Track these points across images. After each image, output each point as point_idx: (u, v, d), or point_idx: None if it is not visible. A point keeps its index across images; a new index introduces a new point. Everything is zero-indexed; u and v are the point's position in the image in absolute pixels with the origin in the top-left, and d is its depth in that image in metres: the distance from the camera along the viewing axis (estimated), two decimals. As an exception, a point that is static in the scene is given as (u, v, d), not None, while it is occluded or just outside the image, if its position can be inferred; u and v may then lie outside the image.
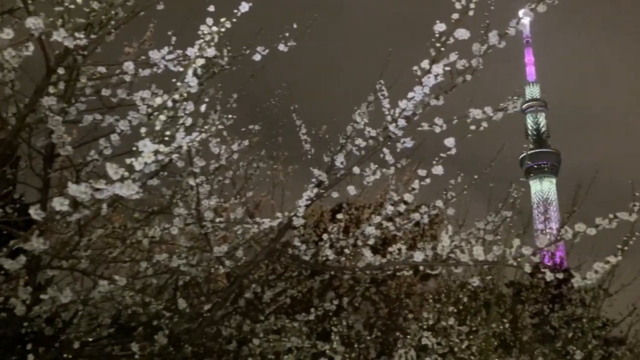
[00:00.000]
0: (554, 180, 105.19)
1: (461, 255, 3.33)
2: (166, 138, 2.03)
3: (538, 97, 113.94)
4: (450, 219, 9.53)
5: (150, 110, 2.68)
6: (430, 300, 6.96)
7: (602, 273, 2.92)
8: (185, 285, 6.30)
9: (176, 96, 2.18)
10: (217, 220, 3.59)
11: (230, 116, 4.75)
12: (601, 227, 3.03)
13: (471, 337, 5.93)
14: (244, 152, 4.55)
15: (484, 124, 3.42)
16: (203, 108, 4.64)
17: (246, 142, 4.18)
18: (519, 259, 3.09)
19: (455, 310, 6.35)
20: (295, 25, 3.71)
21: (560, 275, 3.07)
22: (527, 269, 3.08)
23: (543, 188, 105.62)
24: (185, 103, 2.52)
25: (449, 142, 3.44)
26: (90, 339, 4.91)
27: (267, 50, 3.63)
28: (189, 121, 2.54)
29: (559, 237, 3.10)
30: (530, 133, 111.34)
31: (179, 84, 2.16)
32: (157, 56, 2.77)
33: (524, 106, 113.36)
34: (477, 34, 3.52)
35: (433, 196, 4.46)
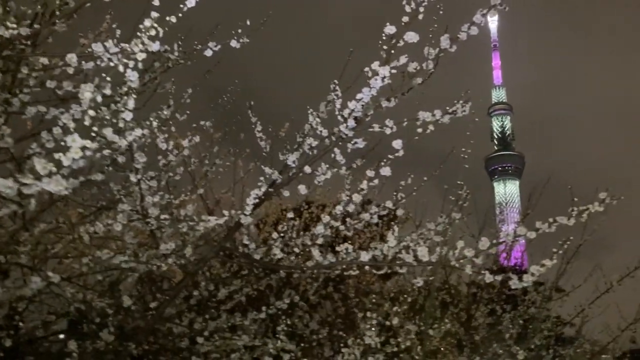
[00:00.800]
0: (517, 183, 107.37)
1: (406, 255, 3.36)
2: (92, 134, 1.98)
3: (504, 100, 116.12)
4: (408, 219, 9.67)
5: (92, 104, 2.61)
6: (387, 300, 7.04)
7: (538, 275, 2.99)
8: (142, 282, 6.21)
9: (107, 91, 2.13)
10: (162, 217, 3.54)
11: (188, 112, 4.71)
12: (541, 230, 3.09)
13: (421, 336, 6.00)
14: (198, 148, 4.50)
15: (431, 127, 3.45)
16: (169, 110, 4.63)
17: (197, 139, 4.13)
18: (461, 261, 3.13)
19: (404, 310, 6.41)
20: (248, 23, 3.68)
21: (499, 277, 3.13)
22: (468, 270, 3.13)
23: (506, 190, 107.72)
24: (125, 98, 2.48)
25: (397, 144, 3.47)
26: (43, 335, 4.82)
27: (218, 47, 3.59)
28: (129, 116, 2.50)
29: (500, 241, 3.15)
30: (495, 136, 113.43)
31: (108, 78, 2.11)
32: (100, 49, 2.71)
33: (490, 109, 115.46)
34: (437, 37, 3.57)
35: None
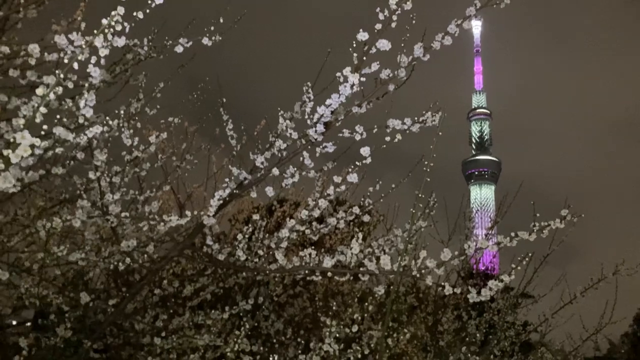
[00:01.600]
0: (493, 188, 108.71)
1: (369, 263, 3.35)
2: (42, 132, 1.92)
3: (484, 105, 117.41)
4: (379, 223, 9.69)
5: (54, 95, 2.55)
6: (354, 302, 7.05)
7: (496, 291, 3.01)
8: (108, 277, 6.12)
9: (69, 85, 2.07)
10: (123, 215, 3.47)
11: (158, 106, 4.63)
12: (502, 244, 3.12)
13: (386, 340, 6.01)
14: (168, 143, 4.43)
15: (399, 136, 3.45)
16: (138, 104, 4.54)
17: (164, 135, 4.06)
18: (422, 271, 3.14)
19: (372, 312, 6.41)
20: (221, 20, 3.63)
21: (458, 290, 3.14)
22: (429, 281, 3.14)
23: (482, 194, 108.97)
24: (86, 94, 2.42)
25: (365, 151, 3.46)
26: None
27: (190, 43, 3.53)
28: (89, 113, 2.44)
29: (463, 252, 3.16)
30: (473, 140, 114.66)
31: (61, 75, 2.05)
32: (63, 42, 2.63)
33: (469, 114, 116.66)
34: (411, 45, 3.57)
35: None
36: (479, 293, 3.02)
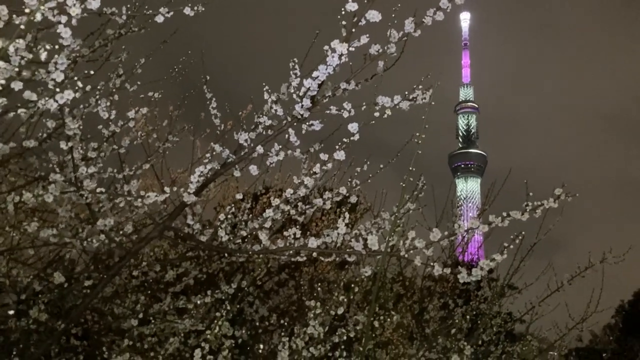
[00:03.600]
0: (479, 181, 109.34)
1: (356, 244, 3.24)
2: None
3: (471, 99, 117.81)
4: (368, 210, 9.62)
5: (23, 61, 2.38)
6: (340, 289, 6.95)
7: (487, 270, 2.91)
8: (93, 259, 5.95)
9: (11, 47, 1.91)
10: (99, 190, 3.31)
11: (139, 83, 4.46)
12: (494, 224, 3.01)
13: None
14: (149, 121, 4.27)
15: (388, 112, 3.33)
16: (118, 80, 4.37)
17: (144, 110, 3.90)
18: (411, 251, 3.03)
19: (358, 299, 6.32)
20: (205, -10, 3.47)
21: (448, 270, 3.04)
22: (417, 261, 3.03)
23: (468, 187, 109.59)
24: (56, 56, 2.27)
25: (352, 127, 3.34)
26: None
27: (171, 13, 3.37)
28: (59, 77, 2.28)
29: (453, 232, 3.06)
30: (460, 133, 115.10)
31: (23, 26, 1.89)
32: (33, 2, 2.47)
33: (457, 107, 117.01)
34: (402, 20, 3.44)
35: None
36: (469, 274, 2.92)
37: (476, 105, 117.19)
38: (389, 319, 6.09)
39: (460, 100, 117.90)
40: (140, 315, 4.39)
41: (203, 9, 3.52)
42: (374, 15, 3.11)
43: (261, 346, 7.14)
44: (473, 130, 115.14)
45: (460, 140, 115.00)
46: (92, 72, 4.06)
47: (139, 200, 3.25)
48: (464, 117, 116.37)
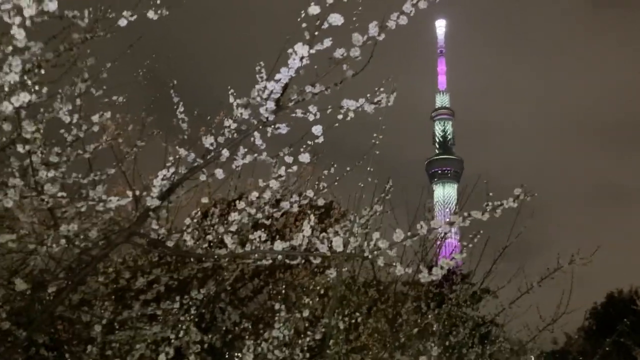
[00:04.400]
0: (455, 186, 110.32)
1: (321, 246, 3.25)
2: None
3: (447, 105, 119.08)
4: (344, 215, 9.64)
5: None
6: (315, 294, 6.94)
7: (447, 268, 2.95)
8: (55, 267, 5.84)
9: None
10: (59, 194, 3.27)
11: (104, 87, 4.42)
12: (456, 224, 3.05)
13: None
14: (111, 125, 4.24)
15: (351, 114, 3.36)
16: (84, 84, 4.32)
17: (108, 115, 3.87)
18: (375, 252, 3.05)
19: (332, 305, 6.32)
20: (168, -6, 3.47)
21: (410, 270, 3.07)
22: (380, 262, 3.05)
23: (445, 192, 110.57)
24: (10, 58, 2.24)
25: (317, 130, 3.36)
26: None
27: (134, 16, 3.36)
28: (14, 78, 2.26)
29: (416, 233, 3.09)
30: (437, 139, 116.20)
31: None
32: (-14, 4, 2.44)
33: (433, 113, 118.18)
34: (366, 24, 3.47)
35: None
36: (430, 273, 2.95)
37: (452, 111, 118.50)
38: (361, 325, 6.11)
39: (437, 107, 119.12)
40: (104, 322, 4.32)
41: (167, 12, 3.51)
42: (336, 19, 3.14)
43: (235, 353, 7.10)
44: (449, 137, 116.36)
45: (437, 146, 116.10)
46: (56, 77, 4.03)
47: (101, 204, 3.21)
48: (440, 123, 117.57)
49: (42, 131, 3.18)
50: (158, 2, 3.44)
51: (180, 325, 4.79)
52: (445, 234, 6.21)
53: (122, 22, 3.36)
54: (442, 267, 2.92)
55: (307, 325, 6.41)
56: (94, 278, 5.13)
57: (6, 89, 2.30)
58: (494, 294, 9.49)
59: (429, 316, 7.85)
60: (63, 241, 3.35)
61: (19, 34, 2.17)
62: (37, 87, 2.55)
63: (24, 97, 2.33)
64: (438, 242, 8.98)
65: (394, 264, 3.04)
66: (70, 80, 4.24)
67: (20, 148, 3.09)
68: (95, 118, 3.73)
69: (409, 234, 3.07)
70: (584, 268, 7.85)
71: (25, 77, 2.43)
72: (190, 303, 4.63)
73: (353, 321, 6.43)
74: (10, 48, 2.74)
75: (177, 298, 4.75)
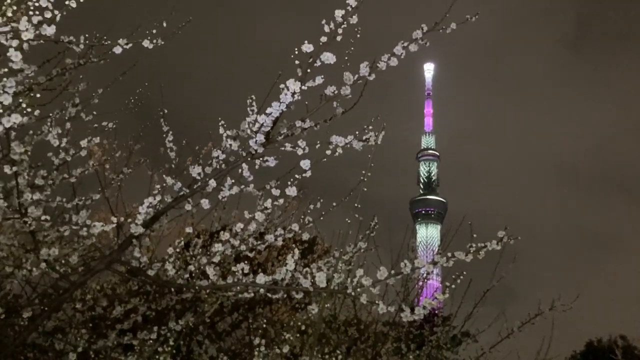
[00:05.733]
0: (438, 227, 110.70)
1: (304, 280, 3.23)
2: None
3: (433, 147, 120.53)
4: (328, 251, 9.61)
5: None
6: (295, 331, 6.86)
7: (430, 309, 2.94)
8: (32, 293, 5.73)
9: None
10: (43, 217, 3.24)
11: (94, 112, 4.43)
12: (439, 264, 3.07)
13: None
14: (98, 150, 4.23)
15: (339, 150, 3.40)
16: (74, 109, 4.33)
17: (97, 140, 3.87)
18: (357, 289, 3.04)
19: (311, 342, 6.25)
20: (164, 24, 3.52)
21: (392, 308, 3.06)
22: (363, 299, 3.05)
23: (428, 233, 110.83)
24: (5, 80, 2.26)
25: (305, 164, 3.38)
26: None
27: (129, 45, 3.40)
28: (7, 100, 2.27)
29: (400, 272, 3.09)
30: (422, 180, 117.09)
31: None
32: (-15, 25, 2.46)
33: (418, 154, 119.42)
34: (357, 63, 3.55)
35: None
36: (412, 312, 2.95)
37: (437, 153, 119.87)
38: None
39: (422, 147, 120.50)
40: (79, 350, 4.22)
41: (162, 42, 3.56)
42: (328, 57, 3.21)
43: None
44: (434, 177, 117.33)
45: (422, 186, 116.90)
46: (47, 101, 4.03)
47: (85, 229, 3.18)
48: (425, 164, 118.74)
49: (29, 153, 3.17)
50: (154, 31, 3.49)
51: (156, 357, 4.70)
52: (428, 274, 6.21)
53: (117, 50, 3.39)
54: (424, 307, 2.92)
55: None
56: (70, 305, 5.03)
57: (0, 110, 2.30)
58: (474, 337, 9.43)
59: (410, 357, 7.77)
60: (43, 265, 3.30)
61: (15, 57, 2.18)
62: (28, 110, 2.56)
63: (15, 119, 2.34)
64: (420, 283, 8.95)
65: (377, 302, 3.04)
66: (61, 104, 4.25)
67: (7, 169, 3.07)
68: (83, 143, 3.73)
69: (392, 272, 3.08)
70: (563, 315, 7.87)
71: (20, 99, 2.44)
72: (168, 334, 4.55)
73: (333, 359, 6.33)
74: (4, 70, 2.77)
75: (155, 329, 4.66)
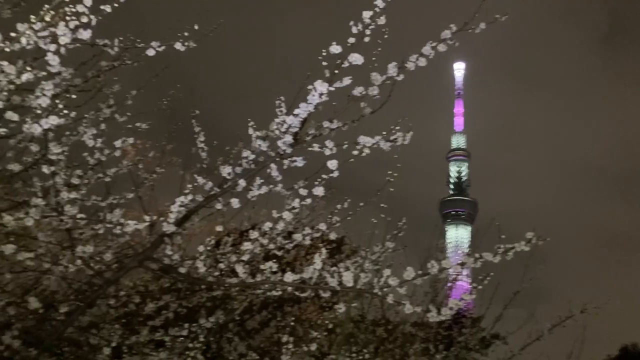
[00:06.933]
0: (469, 228, 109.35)
1: (331, 280, 3.27)
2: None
3: (463, 147, 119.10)
4: (355, 252, 9.63)
5: (12, 86, 2.46)
6: (323, 330, 6.91)
7: (457, 310, 2.95)
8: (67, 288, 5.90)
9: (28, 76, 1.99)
10: (79, 216, 3.34)
11: (129, 114, 4.55)
12: (467, 265, 3.06)
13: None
14: (132, 150, 4.34)
15: (367, 150, 3.42)
16: (109, 110, 4.45)
17: (131, 140, 3.98)
18: (384, 289, 3.06)
19: (339, 341, 6.29)
20: (196, 27, 3.60)
21: (419, 309, 3.07)
22: (390, 299, 3.06)
23: (458, 235, 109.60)
24: (43, 83, 2.35)
25: (332, 164, 3.41)
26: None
27: (162, 47, 3.49)
28: (45, 102, 2.36)
29: (427, 272, 3.10)
30: (451, 180, 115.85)
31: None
32: (23, 29, 2.56)
33: (448, 154, 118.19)
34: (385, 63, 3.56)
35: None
36: (439, 313, 2.96)
37: (468, 153, 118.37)
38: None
39: (452, 147, 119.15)
40: (114, 345, 4.34)
41: (195, 45, 3.64)
42: (356, 59, 3.23)
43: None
44: (464, 178, 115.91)
45: (452, 187, 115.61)
46: (83, 102, 4.16)
47: (118, 227, 3.28)
48: (455, 164, 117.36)
49: (66, 153, 3.28)
50: (186, 34, 3.58)
51: (187, 353, 4.80)
52: (457, 275, 6.18)
53: (150, 52, 3.48)
54: (451, 308, 2.92)
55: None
56: (104, 301, 5.16)
57: (39, 111, 2.40)
58: (503, 339, 9.33)
59: (437, 358, 7.74)
60: (78, 262, 3.41)
61: (53, 61, 2.27)
62: (65, 111, 2.66)
63: (52, 120, 2.43)
64: (449, 284, 8.90)
65: (403, 302, 3.05)
66: (96, 106, 4.38)
67: (45, 169, 3.18)
68: (117, 143, 3.84)
69: (419, 272, 3.09)
70: (595, 318, 7.73)
71: (57, 101, 2.53)
72: (198, 331, 4.64)
73: (360, 359, 6.35)
74: (43, 73, 2.88)
75: (186, 325, 4.75)
